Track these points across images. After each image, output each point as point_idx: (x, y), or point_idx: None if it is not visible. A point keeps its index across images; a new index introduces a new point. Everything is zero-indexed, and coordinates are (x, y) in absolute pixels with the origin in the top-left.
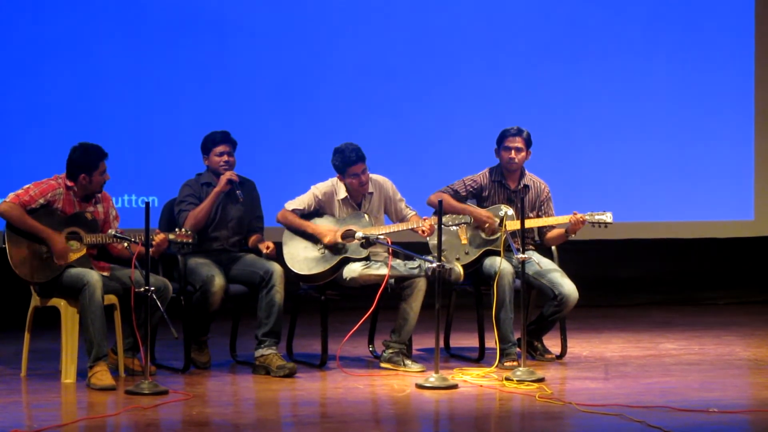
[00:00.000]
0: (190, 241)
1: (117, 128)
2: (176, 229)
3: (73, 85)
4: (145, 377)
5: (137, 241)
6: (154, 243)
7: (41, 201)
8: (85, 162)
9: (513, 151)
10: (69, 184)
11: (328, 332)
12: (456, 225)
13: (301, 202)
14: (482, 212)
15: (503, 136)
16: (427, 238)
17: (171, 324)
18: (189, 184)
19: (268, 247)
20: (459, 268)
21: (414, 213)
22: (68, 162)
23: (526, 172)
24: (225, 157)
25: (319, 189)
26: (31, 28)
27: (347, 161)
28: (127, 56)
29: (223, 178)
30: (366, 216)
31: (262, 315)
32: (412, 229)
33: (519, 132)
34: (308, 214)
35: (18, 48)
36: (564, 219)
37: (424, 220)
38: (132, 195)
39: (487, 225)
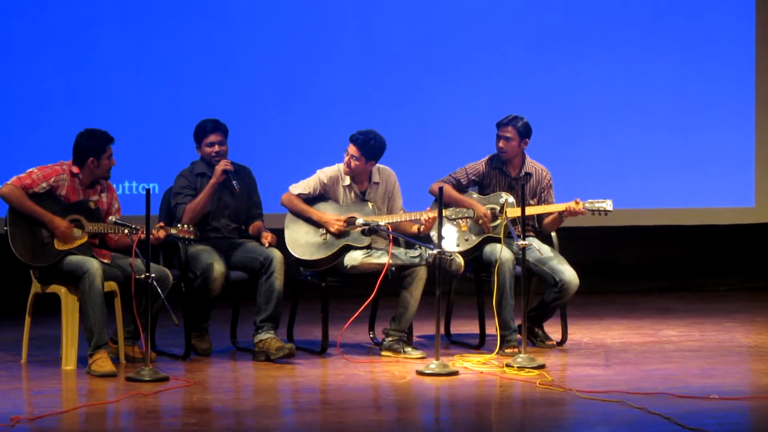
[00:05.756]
0: (191, 237)
1: (117, 115)
2: (178, 225)
3: (74, 72)
4: (145, 364)
5: (138, 229)
6: (153, 236)
7: (44, 185)
8: (94, 146)
9: (502, 141)
10: (74, 170)
11: (328, 319)
12: (458, 219)
13: (306, 186)
14: (479, 207)
15: (497, 125)
16: (430, 233)
17: (171, 311)
18: (184, 175)
19: (266, 238)
20: (460, 259)
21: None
22: (75, 147)
23: (528, 159)
24: (216, 147)
25: (325, 173)
26: (33, 15)
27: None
28: (127, 42)
29: (218, 169)
30: (369, 204)
31: (261, 301)
32: (412, 220)
33: (510, 121)
34: (312, 198)
35: (19, 35)
36: (561, 206)
37: (427, 212)
38: (133, 182)
39: (481, 222)
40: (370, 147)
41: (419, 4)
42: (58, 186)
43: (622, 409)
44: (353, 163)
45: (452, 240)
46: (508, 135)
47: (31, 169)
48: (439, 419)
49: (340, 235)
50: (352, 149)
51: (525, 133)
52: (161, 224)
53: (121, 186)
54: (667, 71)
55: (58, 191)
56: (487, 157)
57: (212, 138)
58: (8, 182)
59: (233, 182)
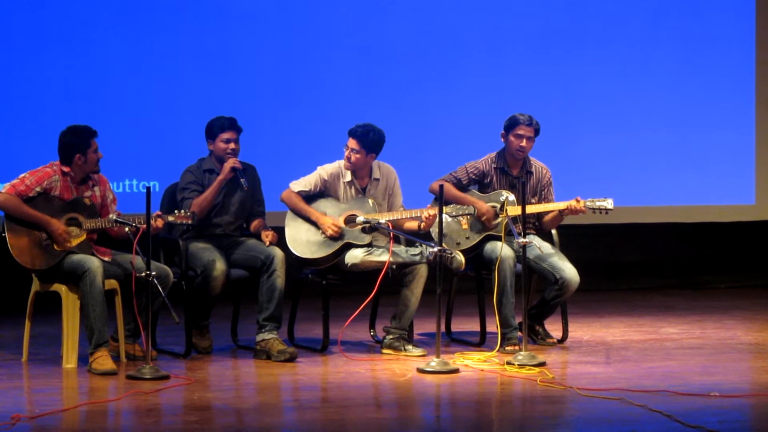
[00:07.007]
0: (189, 222)
1: (118, 113)
2: (175, 210)
3: (73, 70)
4: (146, 362)
5: (137, 225)
6: (152, 226)
7: (38, 189)
8: (78, 142)
9: (524, 140)
10: (65, 169)
11: (329, 317)
12: (458, 216)
13: (306, 183)
14: (482, 204)
15: (516, 123)
16: (430, 230)
17: (172, 309)
18: (191, 171)
19: (267, 236)
20: (460, 257)
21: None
22: (60, 146)
23: (529, 158)
24: (231, 145)
25: (325, 170)
26: (30, 12)
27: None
28: (127, 41)
29: (227, 167)
30: (370, 201)
31: (263, 299)
32: (412, 217)
33: (531, 122)
34: (312, 195)
35: (16, 33)
36: (562, 205)
37: (427, 209)
38: (133, 180)
39: (484, 218)
40: (369, 139)
41: (419, 3)
42: (52, 188)
43: (623, 407)
44: (353, 156)
45: (453, 238)
46: (530, 135)
47: (23, 175)
48: (439, 417)
49: (340, 233)
50: (351, 143)
51: (538, 134)
52: (158, 213)
53: (121, 184)
54: (667, 70)
55: (52, 192)
56: (488, 156)
57: (228, 135)
58: (2, 190)
59: (241, 180)
